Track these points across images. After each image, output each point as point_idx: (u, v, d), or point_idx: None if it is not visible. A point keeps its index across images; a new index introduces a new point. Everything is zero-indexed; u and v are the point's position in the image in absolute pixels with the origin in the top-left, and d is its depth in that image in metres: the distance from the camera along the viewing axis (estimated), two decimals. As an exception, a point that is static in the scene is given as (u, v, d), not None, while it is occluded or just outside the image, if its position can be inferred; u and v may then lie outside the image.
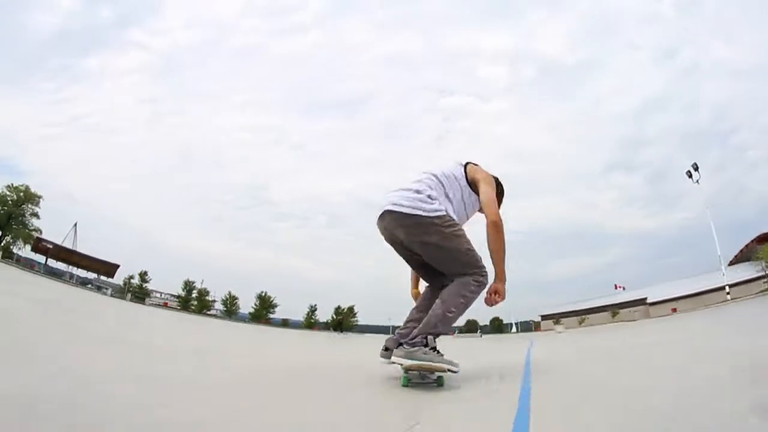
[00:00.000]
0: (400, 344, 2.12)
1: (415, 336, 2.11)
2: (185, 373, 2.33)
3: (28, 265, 34.08)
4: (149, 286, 48.40)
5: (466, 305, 2.19)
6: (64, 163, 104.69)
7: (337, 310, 56.25)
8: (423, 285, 2.73)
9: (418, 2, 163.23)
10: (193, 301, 49.77)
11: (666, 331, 6.97)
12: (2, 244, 39.12)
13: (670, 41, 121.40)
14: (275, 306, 52.41)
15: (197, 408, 1.42)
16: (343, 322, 38.56)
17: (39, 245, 40.15)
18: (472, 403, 1.79)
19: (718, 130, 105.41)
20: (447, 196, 2.33)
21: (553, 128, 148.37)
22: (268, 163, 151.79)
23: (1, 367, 1.59)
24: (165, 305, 41.31)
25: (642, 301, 44.02)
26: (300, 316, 54.87)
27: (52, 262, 41.07)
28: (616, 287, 55.75)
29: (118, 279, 46.30)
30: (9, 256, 36.17)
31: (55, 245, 40.89)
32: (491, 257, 2.26)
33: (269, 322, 49.10)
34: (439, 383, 2.10)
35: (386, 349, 2.38)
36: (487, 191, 2.34)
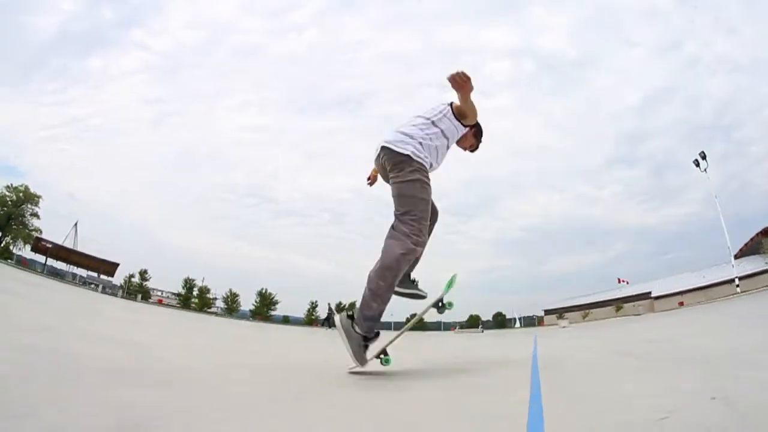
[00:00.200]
0: (350, 316, 2.44)
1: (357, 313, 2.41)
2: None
3: (26, 264, 33.73)
4: (149, 284, 48.39)
5: (395, 273, 2.34)
6: (65, 164, 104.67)
7: (338, 307, 56.10)
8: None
9: (415, 0, 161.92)
10: (193, 298, 49.70)
11: (676, 325, 6.61)
12: (2, 245, 39.19)
13: (672, 34, 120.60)
14: (276, 303, 52.30)
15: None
16: (330, 317, 38.44)
17: (38, 245, 40.08)
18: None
19: (720, 125, 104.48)
20: (435, 126, 2.57)
21: (555, 123, 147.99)
22: (270, 161, 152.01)
23: None
24: (160, 302, 40.91)
25: (646, 296, 43.65)
26: (302, 313, 54.88)
27: (58, 263, 41.00)
28: (619, 281, 55.46)
29: (119, 278, 46.39)
30: (9, 257, 36.05)
31: (55, 245, 40.73)
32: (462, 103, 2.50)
33: (270, 319, 48.98)
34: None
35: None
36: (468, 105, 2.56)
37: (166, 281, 53.58)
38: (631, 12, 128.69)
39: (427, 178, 2.49)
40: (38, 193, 42.43)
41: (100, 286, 33.70)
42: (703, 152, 30.84)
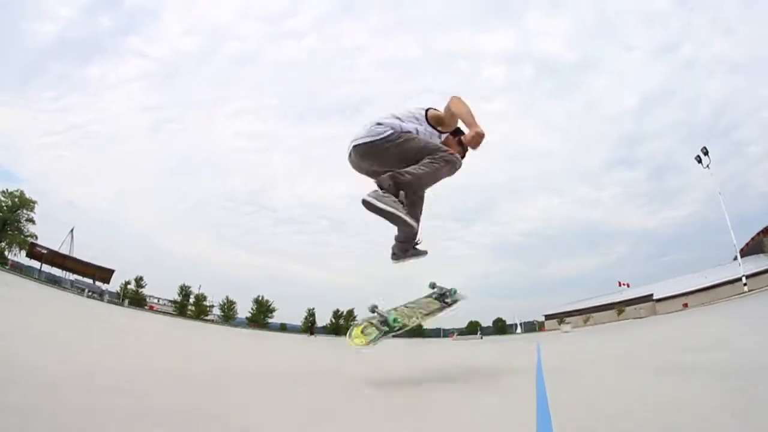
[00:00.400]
0: (379, 185, 2.30)
1: (387, 178, 2.30)
2: None
3: (14, 267, 33.28)
4: (145, 291, 47.91)
5: (438, 173, 2.42)
6: (65, 171, 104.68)
7: (336, 314, 55.68)
8: None
9: (414, 6, 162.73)
10: (190, 306, 49.24)
11: (695, 326, 6.17)
12: None
13: (669, 37, 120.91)
14: (273, 310, 51.82)
15: None
16: (313, 324, 37.98)
17: (33, 250, 39.57)
18: None
19: (719, 126, 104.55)
20: (404, 126, 2.56)
21: (554, 126, 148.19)
22: (269, 168, 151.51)
23: None
24: (151, 308, 40.27)
25: (648, 298, 43.22)
26: (299, 320, 54.38)
27: (56, 270, 40.54)
28: (620, 284, 55.05)
29: (115, 285, 45.90)
30: (4, 262, 35.63)
31: (50, 250, 40.31)
32: (463, 121, 2.51)
33: (267, 326, 48.46)
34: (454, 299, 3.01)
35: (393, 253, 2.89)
36: (438, 109, 2.66)
37: (163, 288, 53.05)
38: (628, 15, 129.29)
39: (405, 135, 2.53)
40: (33, 199, 42.23)
41: (86, 290, 33.08)
42: (705, 148, 30.21)
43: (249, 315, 51.49)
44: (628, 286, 53.42)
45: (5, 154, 77.55)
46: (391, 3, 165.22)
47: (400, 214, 2.24)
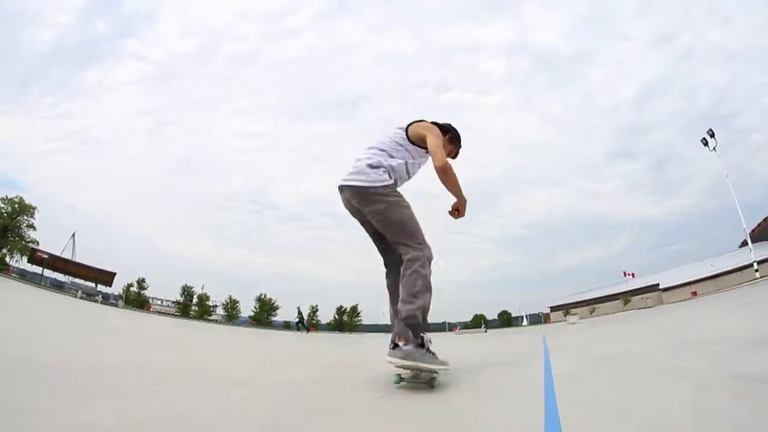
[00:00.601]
0: (396, 345, 2.23)
1: (400, 333, 2.25)
2: None
3: (26, 276, 33.27)
4: (147, 293, 47.69)
5: (425, 284, 2.36)
6: (66, 177, 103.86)
7: (339, 310, 55.43)
8: None
9: (409, 1, 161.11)
10: (193, 306, 49.10)
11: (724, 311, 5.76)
12: None
13: (666, 26, 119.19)
14: (276, 309, 51.54)
15: None
16: (305, 319, 37.14)
17: (34, 256, 39.62)
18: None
19: (718, 115, 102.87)
20: (394, 162, 2.55)
21: (553, 119, 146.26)
22: (270, 167, 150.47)
23: None
24: (148, 309, 39.89)
25: (654, 288, 42.77)
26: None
27: (61, 276, 40.58)
28: (625, 274, 54.72)
29: (117, 287, 45.81)
30: (5, 268, 35.60)
31: (51, 255, 40.28)
32: (452, 194, 2.63)
33: (271, 324, 48.27)
34: (430, 385, 2.19)
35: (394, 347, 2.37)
36: (431, 141, 2.52)
37: (166, 290, 53.08)
38: (624, 5, 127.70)
39: (400, 195, 2.56)
40: (33, 205, 42.37)
41: (79, 291, 32.88)
42: (711, 130, 29.11)
43: (252, 313, 51.24)
44: (633, 276, 53.03)
45: (8, 163, 79.46)
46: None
47: (434, 367, 2.21)
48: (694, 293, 30.33)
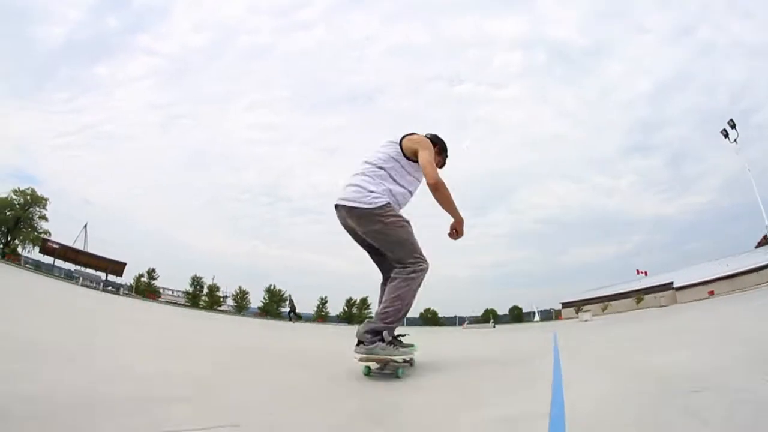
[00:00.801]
0: (360, 342, 2.44)
1: (370, 330, 2.44)
2: None
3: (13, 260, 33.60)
4: (157, 283, 48.15)
5: (411, 293, 2.47)
6: (80, 170, 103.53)
7: (349, 302, 55.33)
8: None
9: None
10: (203, 297, 49.42)
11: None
12: (10, 247, 39.53)
13: (685, 19, 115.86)
14: (285, 300, 51.57)
15: None
16: (296, 309, 36.01)
17: (45, 246, 40.34)
18: None
19: (736, 110, 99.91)
20: (392, 179, 2.63)
21: (567, 113, 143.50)
22: (283, 159, 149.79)
23: None
24: (153, 298, 39.90)
25: (668, 286, 41.78)
26: (312, 309, 54.27)
27: (71, 266, 40.96)
28: (638, 272, 53.84)
29: (128, 277, 46.39)
30: (16, 259, 36.06)
31: (62, 245, 40.84)
32: (447, 212, 2.70)
33: (279, 315, 48.43)
34: (396, 375, 2.41)
35: (359, 343, 2.51)
36: (423, 156, 2.58)
37: (177, 281, 53.65)
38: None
39: (397, 214, 2.58)
40: (45, 196, 43.13)
41: (81, 279, 33.10)
42: (731, 120, 27.85)
43: (261, 304, 51.36)
44: (646, 274, 52.12)
45: (24, 158, 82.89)
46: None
47: (395, 357, 2.44)
48: (711, 293, 29.46)
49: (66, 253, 41.03)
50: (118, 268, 43.90)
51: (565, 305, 54.75)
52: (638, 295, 44.47)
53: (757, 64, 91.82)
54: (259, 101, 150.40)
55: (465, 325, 42.02)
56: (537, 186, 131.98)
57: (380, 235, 2.53)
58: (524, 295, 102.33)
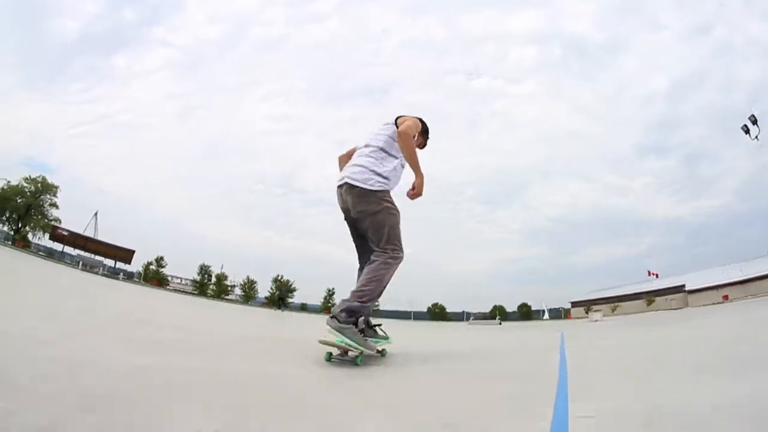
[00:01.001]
0: (334, 317, 2.47)
1: (346, 309, 2.48)
2: None
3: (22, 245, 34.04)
4: (165, 271, 48.32)
5: (384, 277, 2.61)
6: (95, 160, 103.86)
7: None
8: None
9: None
10: (211, 285, 49.64)
11: None
12: (21, 234, 39.99)
13: (702, 17, 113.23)
14: (293, 290, 51.48)
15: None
16: (284, 297, 35.61)
17: (55, 233, 40.86)
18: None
19: (755, 111, 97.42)
20: (392, 156, 2.81)
21: (583, 109, 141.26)
22: (298, 150, 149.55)
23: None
24: (154, 284, 39.55)
25: (680, 289, 41.15)
26: (319, 300, 54.24)
27: (84, 254, 41.43)
28: (649, 274, 53.14)
29: (137, 265, 46.87)
30: (27, 245, 36.47)
31: (71, 232, 41.31)
32: (408, 163, 2.77)
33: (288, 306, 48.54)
34: (355, 362, 2.43)
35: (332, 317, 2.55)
36: (408, 122, 2.76)
37: (188, 270, 53.79)
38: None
39: (392, 201, 2.76)
40: (56, 184, 43.62)
41: (80, 263, 33.44)
42: (753, 116, 26.45)
43: (268, 294, 51.33)
44: (657, 276, 51.40)
45: (36, 147, 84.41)
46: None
47: (361, 348, 2.43)
48: (726, 297, 28.83)
49: (75, 240, 41.60)
50: (126, 255, 44.31)
51: (575, 304, 54.24)
52: (649, 297, 43.85)
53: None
54: (273, 92, 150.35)
55: (471, 321, 41.43)
56: (551, 183, 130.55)
57: (372, 216, 2.65)
58: (534, 293, 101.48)
